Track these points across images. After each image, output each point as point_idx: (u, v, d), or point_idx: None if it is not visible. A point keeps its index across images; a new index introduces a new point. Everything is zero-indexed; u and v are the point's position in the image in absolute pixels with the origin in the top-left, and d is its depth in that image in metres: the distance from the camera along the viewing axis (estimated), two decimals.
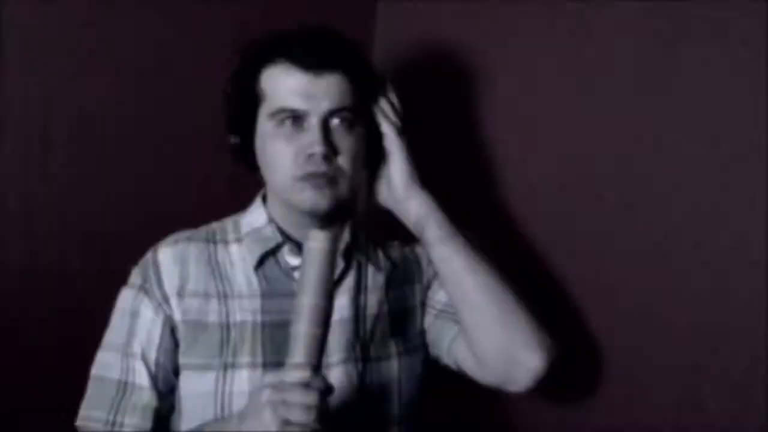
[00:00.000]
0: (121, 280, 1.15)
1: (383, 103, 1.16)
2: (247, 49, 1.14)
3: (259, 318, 1.10)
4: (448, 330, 1.17)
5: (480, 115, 1.34)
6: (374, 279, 1.18)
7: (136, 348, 1.10)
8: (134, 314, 1.11)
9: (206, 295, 1.11)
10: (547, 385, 1.13)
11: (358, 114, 1.11)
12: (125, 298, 1.13)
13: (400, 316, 1.19)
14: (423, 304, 1.20)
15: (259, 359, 1.09)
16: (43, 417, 1.20)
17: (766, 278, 1.01)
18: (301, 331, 0.99)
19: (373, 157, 1.16)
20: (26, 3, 1.23)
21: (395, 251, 1.23)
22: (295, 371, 0.97)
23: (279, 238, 1.14)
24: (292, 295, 1.09)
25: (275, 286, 1.12)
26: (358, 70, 1.12)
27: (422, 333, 1.20)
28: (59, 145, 1.27)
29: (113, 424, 1.08)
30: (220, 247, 1.15)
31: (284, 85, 1.08)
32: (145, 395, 1.09)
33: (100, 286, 1.18)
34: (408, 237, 1.19)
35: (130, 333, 1.11)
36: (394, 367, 1.15)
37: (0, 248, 1.24)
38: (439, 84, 1.39)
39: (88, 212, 1.29)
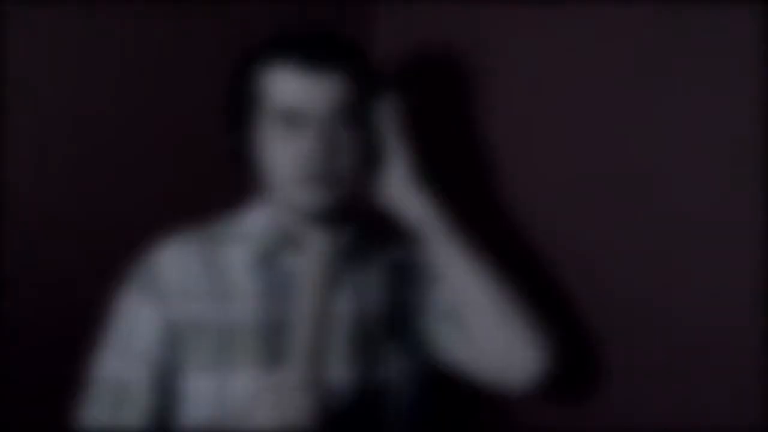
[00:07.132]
0: (120, 279, 1.15)
1: (383, 103, 1.16)
2: (247, 50, 1.14)
3: (258, 318, 1.10)
4: (447, 331, 1.17)
5: (480, 115, 1.34)
6: (375, 279, 1.18)
7: (135, 348, 1.10)
8: (133, 314, 1.11)
9: (205, 295, 1.11)
10: (546, 386, 1.13)
11: (358, 114, 1.11)
12: (124, 297, 1.13)
13: (400, 316, 1.19)
14: (423, 305, 1.20)
15: (259, 359, 1.09)
16: (42, 417, 1.19)
17: (765, 278, 1.01)
18: (301, 331, 0.99)
19: (373, 157, 1.16)
20: (27, 4, 1.23)
21: (396, 251, 1.23)
22: (295, 372, 0.97)
23: (279, 239, 1.14)
24: (291, 295, 1.09)
25: (275, 287, 1.12)
26: (359, 69, 1.12)
27: (422, 333, 1.20)
28: (58, 146, 1.27)
29: (112, 424, 1.08)
30: (219, 247, 1.15)
31: (284, 86, 1.08)
32: (143, 395, 1.09)
33: (99, 286, 1.18)
34: (408, 237, 1.19)
35: (129, 333, 1.11)
36: (394, 368, 1.15)
37: None
38: (440, 84, 1.39)
39: (87, 212, 1.29)
